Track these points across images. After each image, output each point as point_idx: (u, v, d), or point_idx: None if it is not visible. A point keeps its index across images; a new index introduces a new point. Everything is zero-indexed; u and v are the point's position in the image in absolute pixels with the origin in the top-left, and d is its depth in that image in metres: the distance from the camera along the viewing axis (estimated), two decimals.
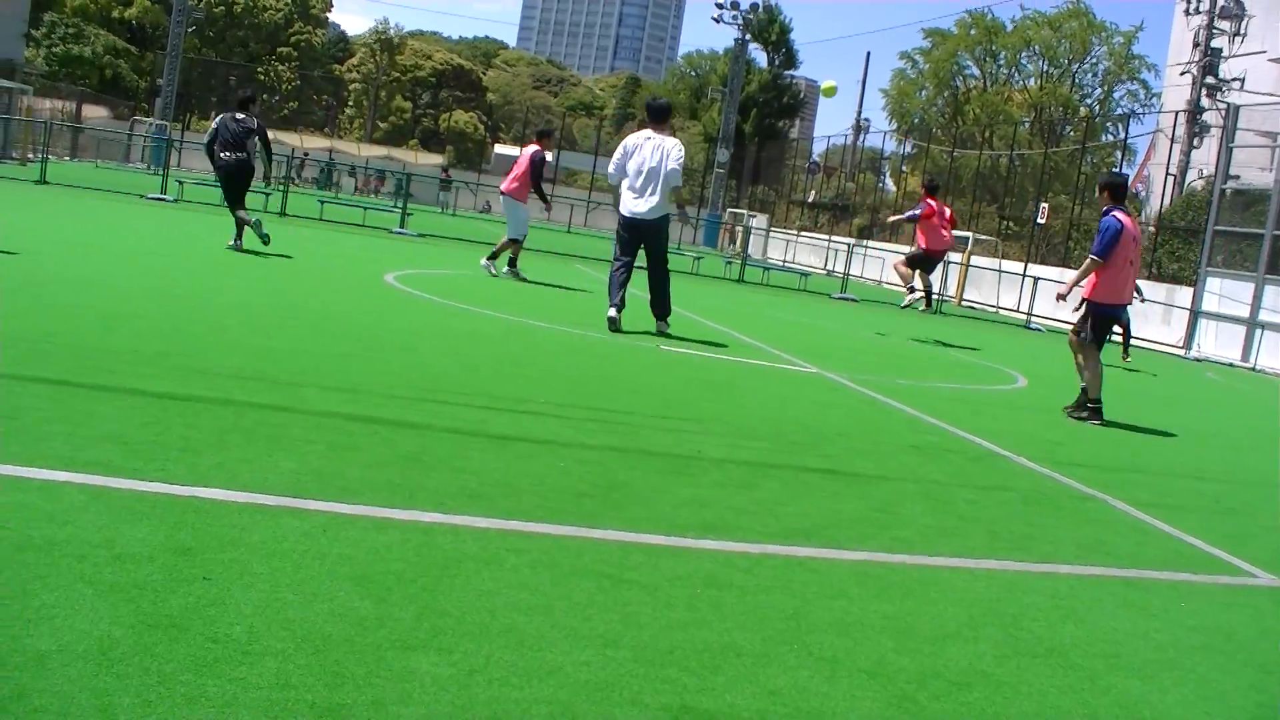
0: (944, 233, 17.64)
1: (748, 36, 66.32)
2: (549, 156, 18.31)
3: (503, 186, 17.96)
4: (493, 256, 17.27)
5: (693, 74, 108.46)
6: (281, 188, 28.32)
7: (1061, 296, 11.42)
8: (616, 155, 13.30)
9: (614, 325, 12.35)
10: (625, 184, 13.08)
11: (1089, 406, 10.92)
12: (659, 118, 13.48)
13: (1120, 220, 10.92)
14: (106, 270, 11.67)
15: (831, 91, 19.08)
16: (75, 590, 3.27)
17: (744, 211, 62.41)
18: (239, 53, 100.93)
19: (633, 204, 13.00)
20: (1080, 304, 11.38)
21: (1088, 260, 11.11)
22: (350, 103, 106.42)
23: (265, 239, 15.54)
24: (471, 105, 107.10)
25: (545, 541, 4.43)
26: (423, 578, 3.83)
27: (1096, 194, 14.04)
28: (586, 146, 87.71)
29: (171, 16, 66.43)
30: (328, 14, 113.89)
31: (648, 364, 10.36)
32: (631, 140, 13.29)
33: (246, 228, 15.51)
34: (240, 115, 15.86)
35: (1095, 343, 11.06)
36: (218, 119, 16.18)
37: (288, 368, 7.36)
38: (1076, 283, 11.22)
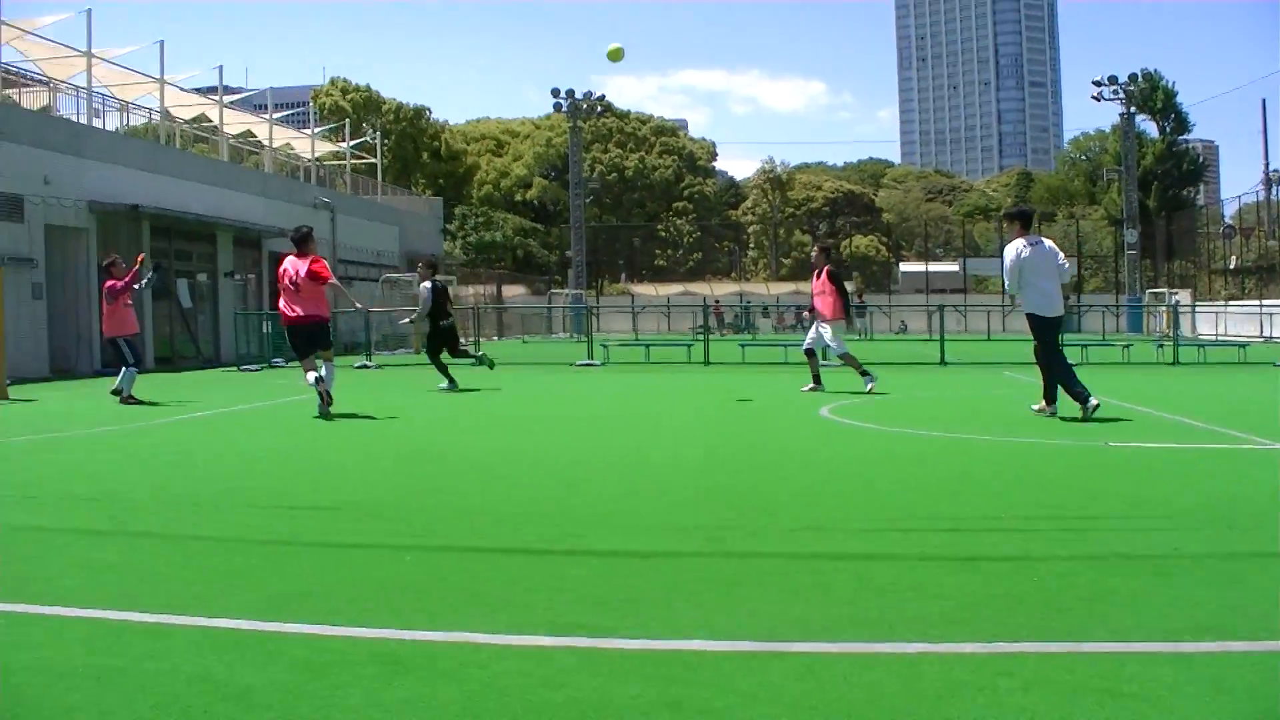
0: None
1: (1133, 109, 64.34)
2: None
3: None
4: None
5: (1083, 158, 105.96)
6: (700, 337, 29.14)
7: None
8: (1011, 266, 13.63)
9: (1092, 410, 12.97)
10: (1034, 287, 13.54)
11: None
12: (1029, 224, 14.10)
13: None
14: (559, 439, 12.28)
15: (617, 55, 18.68)
16: None
17: (1164, 290, 59.92)
18: (637, 214, 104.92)
19: (1054, 305, 13.64)
20: None
21: None
22: (751, 244, 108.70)
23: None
24: (869, 228, 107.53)
25: (1035, 661, 4.31)
26: (917, 712, 3.78)
27: None
28: (990, 250, 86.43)
29: (570, 190, 69.76)
30: (714, 163, 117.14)
31: (1096, 463, 10.02)
32: (1021, 247, 13.61)
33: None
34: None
35: None
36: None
37: (747, 513, 7.50)
38: None
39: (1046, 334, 13.62)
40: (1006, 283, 13.72)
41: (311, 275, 15.14)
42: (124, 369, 17.46)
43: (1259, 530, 6.86)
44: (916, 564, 5.95)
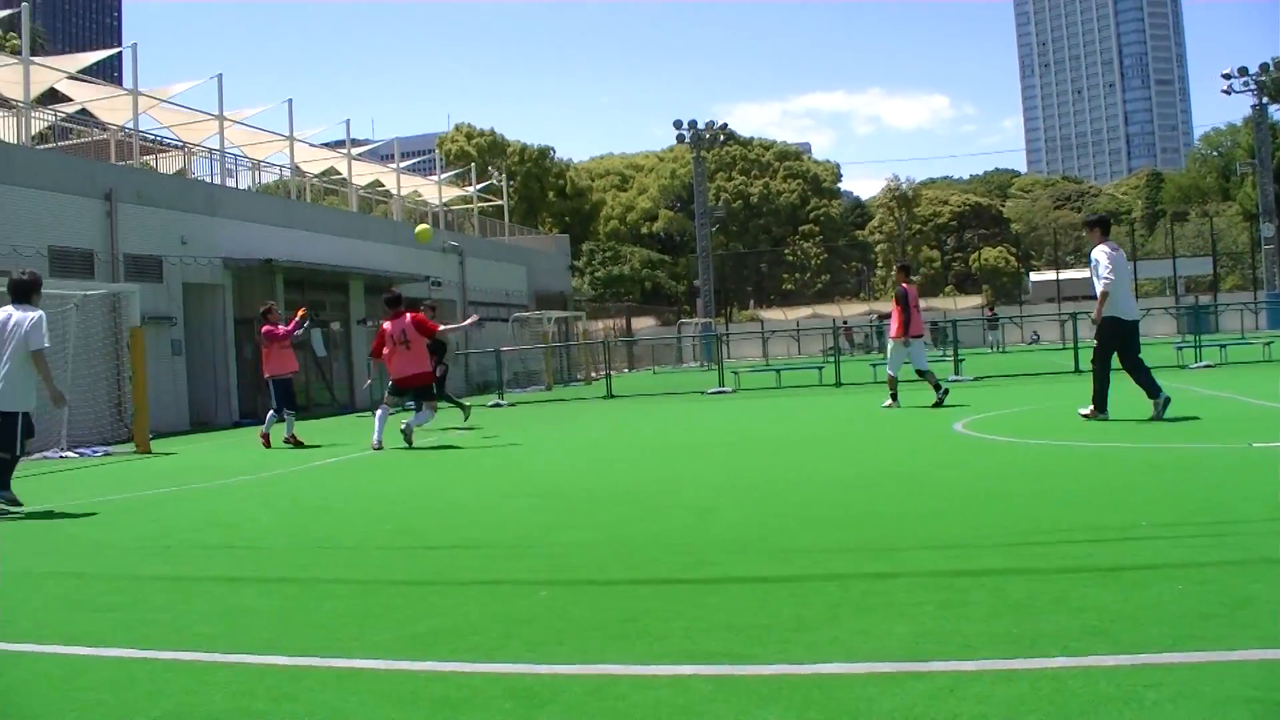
0: None
1: (1265, 99, 62.86)
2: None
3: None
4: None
5: (1215, 154, 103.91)
6: (831, 359, 29.01)
7: None
8: (1106, 264, 13.75)
9: (1165, 404, 13.59)
10: (1123, 291, 13.92)
11: None
12: (1108, 230, 14.45)
13: None
14: (693, 467, 12.28)
15: (425, 236, 19.13)
16: None
17: None
18: (764, 239, 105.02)
19: (1135, 309, 14.12)
20: None
21: None
22: (879, 263, 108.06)
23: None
24: (998, 240, 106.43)
25: (1182, 672, 4.19)
26: None
27: None
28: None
29: (695, 220, 69.98)
30: (838, 184, 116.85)
31: (1239, 466, 9.73)
32: (1110, 251, 13.93)
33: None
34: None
35: None
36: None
37: (884, 534, 7.46)
38: None
39: (1129, 338, 13.80)
40: (1106, 282, 13.62)
41: (418, 326, 15.96)
42: (284, 414, 18.66)
43: None
44: (1055, 576, 5.85)
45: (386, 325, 16.60)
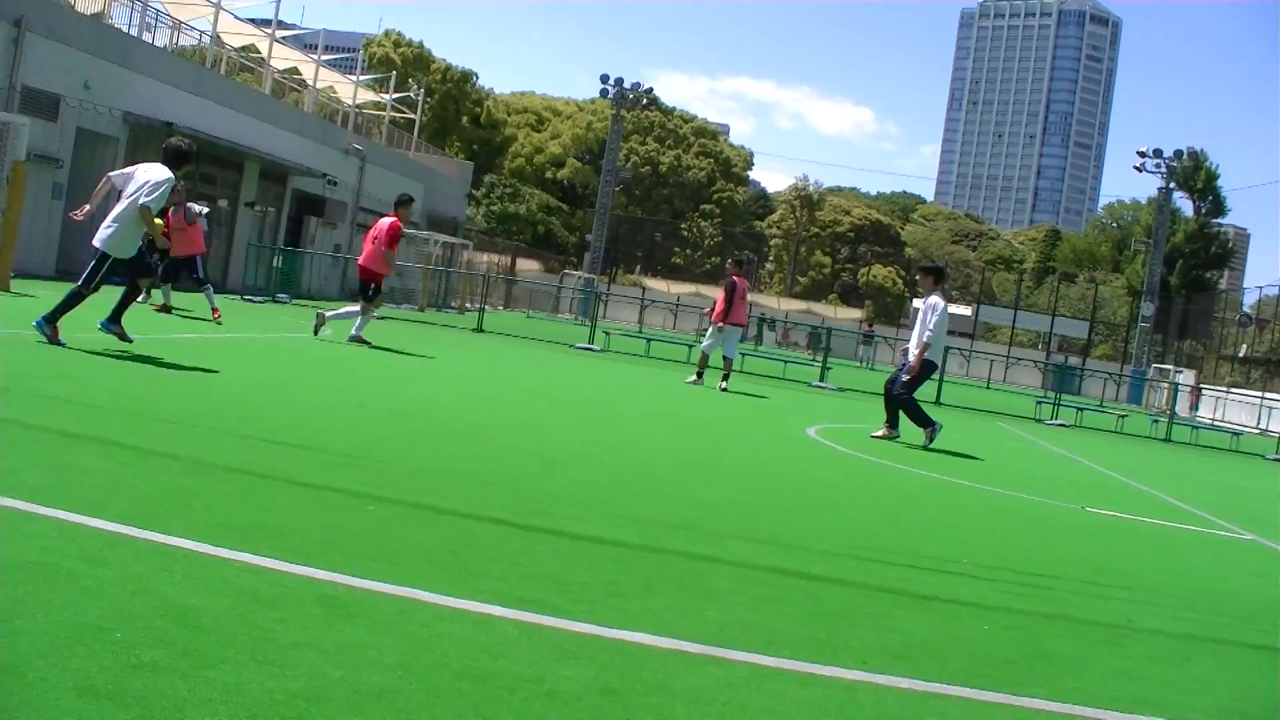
0: None
1: (1172, 185, 64.28)
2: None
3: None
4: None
5: (1114, 225, 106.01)
6: (702, 339, 29.21)
7: None
8: (935, 319, 14.84)
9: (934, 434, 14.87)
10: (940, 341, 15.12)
11: None
12: (942, 280, 15.69)
13: None
14: (546, 416, 12.32)
15: None
16: None
17: (1170, 367, 59.95)
18: (664, 209, 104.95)
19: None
20: None
21: None
22: (771, 257, 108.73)
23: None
24: (890, 260, 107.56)
25: (969, 707, 4.33)
26: None
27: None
28: (1006, 300, 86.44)
29: (601, 176, 69.78)
30: (748, 172, 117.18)
31: (1075, 527, 10.06)
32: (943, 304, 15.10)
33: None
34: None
35: None
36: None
37: (716, 519, 7.54)
38: None
39: (927, 377, 15.31)
40: (931, 335, 14.77)
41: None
42: (204, 287, 19.41)
43: (1217, 615, 6.88)
44: (872, 593, 5.98)
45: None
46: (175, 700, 3.16)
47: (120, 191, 11.66)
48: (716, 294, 21.53)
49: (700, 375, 20.97)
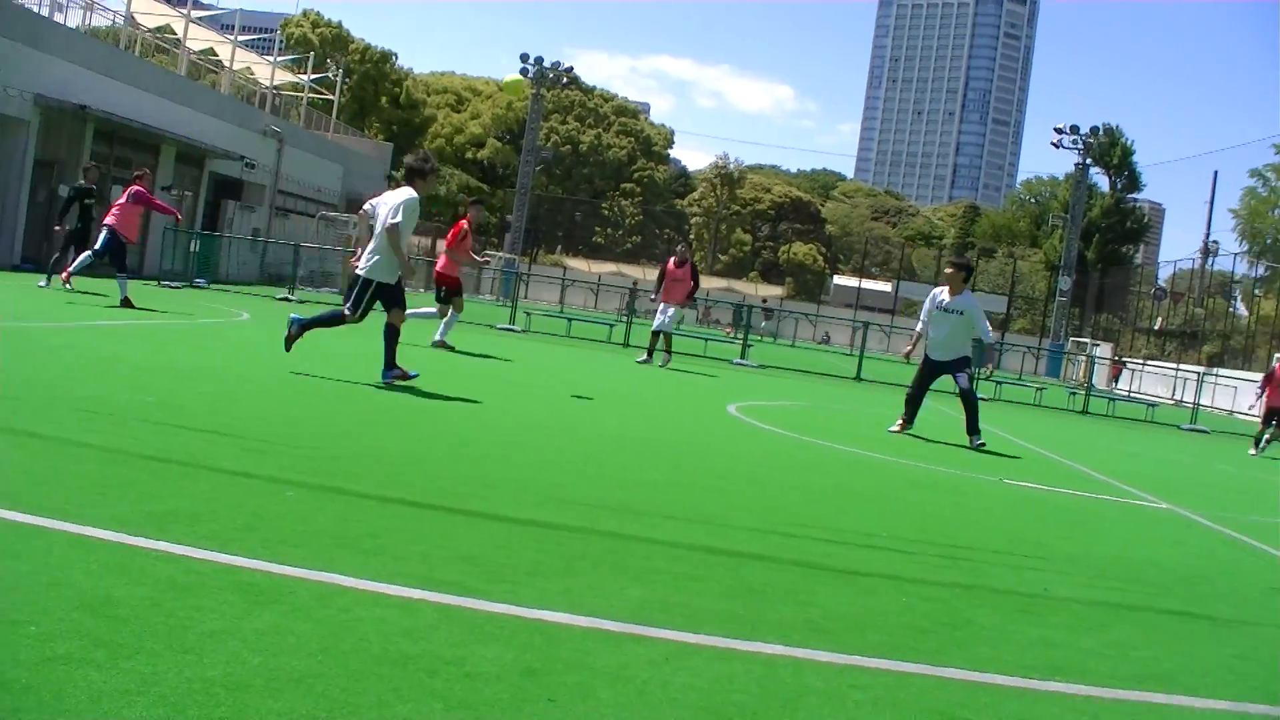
0: None
1: (1089, 161, 65.00)
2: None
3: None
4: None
5: (1032, 201, 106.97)
6: (623, 319, 29.26)
7: None
8: (928, 307, 15.04)
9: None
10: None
11: None
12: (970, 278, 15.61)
13: None
14: (465, 398, 12.26)
15: (516, 89, 21.09)
16: (426, 705, 3.44)
17: (1087, 340, 60.73)
18: (585, 188, 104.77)
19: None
20: None
21: None
22: (692, 236, 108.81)
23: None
24: (811, 237, 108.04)
25: (888, 679, 4.37)
26: (765, 711, 3.83)
27: None
28: (926, 277, 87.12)
29: (521, 156, 69.51)
30: (669, 151, 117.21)
31: (993, 499, 10.19)
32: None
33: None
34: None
35: None
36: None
37: (638, 497, 7.57)
38: None
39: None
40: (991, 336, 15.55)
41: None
42: (120, 277, 19.00)
43: (1133, 583, 6.99)
44: (791, 568, 6.03)
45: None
46: (91, 692, 3.13)
47: (374, 221, 12.13)
48: (639, 274, 22.37)
49: (650, 354, 22.05)
